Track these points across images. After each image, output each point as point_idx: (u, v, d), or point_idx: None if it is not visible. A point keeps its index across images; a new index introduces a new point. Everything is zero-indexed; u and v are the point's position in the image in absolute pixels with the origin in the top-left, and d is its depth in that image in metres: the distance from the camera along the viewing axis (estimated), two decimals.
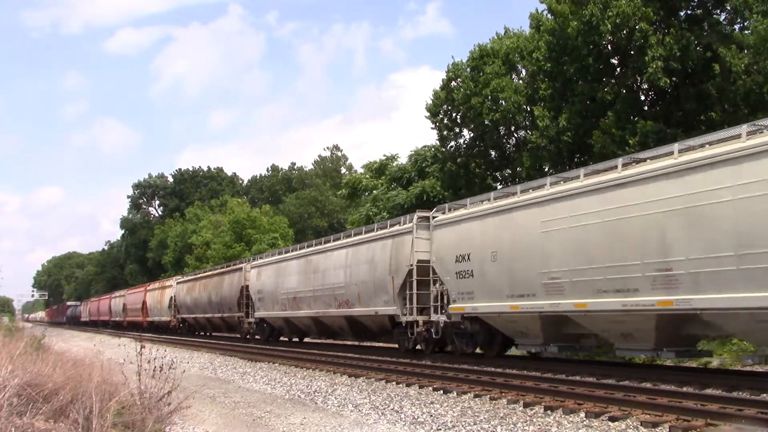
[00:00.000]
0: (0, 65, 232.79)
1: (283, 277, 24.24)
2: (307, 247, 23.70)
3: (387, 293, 17.65)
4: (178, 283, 38.30)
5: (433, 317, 16.30)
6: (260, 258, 28.54)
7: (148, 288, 44.53)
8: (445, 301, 15.89)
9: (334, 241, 21.63)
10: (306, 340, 26.79)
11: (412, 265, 16.69)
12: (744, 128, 9.83)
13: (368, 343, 22.12)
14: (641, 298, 10.74)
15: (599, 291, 11.50)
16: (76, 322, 71.68)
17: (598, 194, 11.71)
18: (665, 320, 10.74)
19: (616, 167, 11.66)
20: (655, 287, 10.54)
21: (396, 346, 18.58)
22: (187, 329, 36.78)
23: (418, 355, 17.07)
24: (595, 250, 11.60)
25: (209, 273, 33.66)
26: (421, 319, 16.79)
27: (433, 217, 16.61)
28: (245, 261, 30.18)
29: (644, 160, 11.41)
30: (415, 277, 16.62)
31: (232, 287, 28.93)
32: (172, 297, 38.38)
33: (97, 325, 59.50)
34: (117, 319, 51.92)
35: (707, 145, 10.28)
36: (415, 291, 16.68)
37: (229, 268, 31.01)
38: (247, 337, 28.18)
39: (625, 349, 12.12)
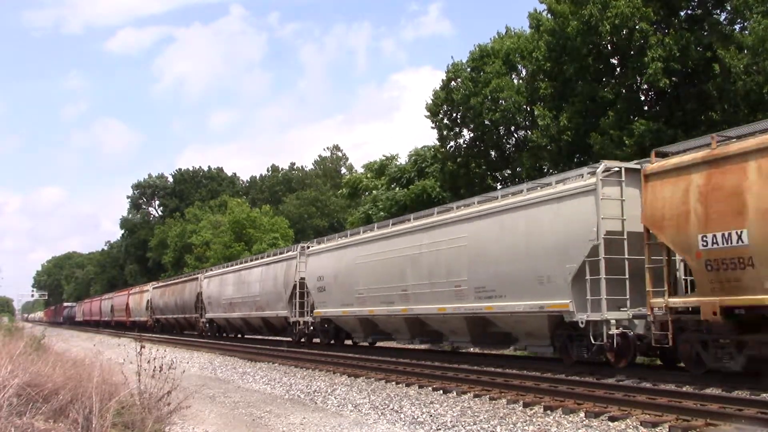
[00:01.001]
0: (1, 65, 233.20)
1: (224, 287, 30.66)
2: (241, 264, 30.35)
3: (283, 301, 24.23)
4: (153, 288, 43.60)
5: (307, 318, 22.82)
6: (211, 270, 34.66)
7: (130, 292, 50.22)
8: (312, 307, 22.44)
9: (253, 261, 28.93)
10: (245, 336, 32.15)
11: (296, 282, 23.16)
12: (448, 207, 17.17)
13: (274, 338, 28.03)
14: (395, 307, 17.67)
15: (381, 302, 18.26)
16: (72, 322, 76.27)
17: (379, 242, 18.93)
18: (410, 320, 17.58)
19: (409, 220, 18.27)
20: (400, 301, 17.48)
21: (290, 339, 24.44)
22: (160, 328, 42.31)
23: (306, 346, 23.15)
24: (378, 277, 18.48)
25: (175, 281, 39.90)
26: (302, 319, 23.15)
27: (308, 247, 23.29)
28: (200, 272, 35.88)
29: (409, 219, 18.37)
30: (298, 290, 23.09)
31: (191, 293, 35.04)
32: (148, 300, 43.74)
33: (89, 324, 64.66)
34: (106, 318, 57.56)
35: (435, 213, 17.04)
36: (297, 300, 23.18)
37: (189, 278, 37.13)
38: (202, 333, 34.04)
39: (397, 339, 19.48)
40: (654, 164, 11.05)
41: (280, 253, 25.90)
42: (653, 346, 11.37)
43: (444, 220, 16.06)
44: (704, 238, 9.95)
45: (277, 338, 26.92)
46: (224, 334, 32.98)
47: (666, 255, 10.87)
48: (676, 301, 10.63)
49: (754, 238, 9.32)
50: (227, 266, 32.35)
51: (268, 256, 27.56)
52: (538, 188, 13.67)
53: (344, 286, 20.13)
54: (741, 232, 9.47)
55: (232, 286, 29.65)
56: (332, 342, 22.16)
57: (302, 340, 23.73)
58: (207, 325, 33.25)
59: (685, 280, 11.83)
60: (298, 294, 23.00)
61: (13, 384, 6.68)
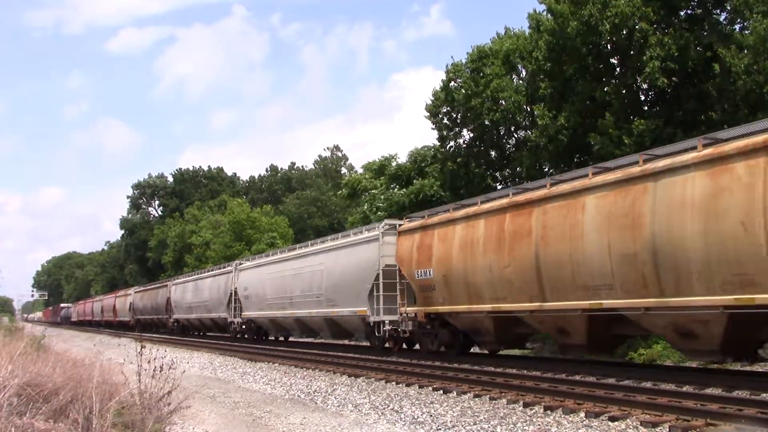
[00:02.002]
0: (2, 65, 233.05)
1: (186, 293, 37.31)
2: (198, 274, 37.20)
3: (223, 305, 31.25)
4: (135, 292, 50.31)
5: (239, 319, 29.26)
6: (178, 279, 41.45)
7: (117, 295, 57.12)
8: (241, 311, 29.21)
9: (206, 273, 35.12)
10: (201, 333, 38.67)
11: (232, 291, 29.88)
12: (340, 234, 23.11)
13: (218, 334, 35.16)
14: (287, 311, 24.32)
15: (279, 308, 25.01)
16: (68, 322, 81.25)
17: (278, 264, 25.88)
18: (297, 321, 24.13)
19: (295, 248, 26.12)
20: (290, 307, 24.04)
21: (229, 335, 31.07)
22: (141, 327, 46.62)
23: (239, 341, 29.20)
24: (278, 289, 25.21)
25: (151, 287, 46.97)
26: (236, 320, 29.64)
27: (240, 264, 30.11)
28: (170, 280, 42.60)
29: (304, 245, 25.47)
30: (233, 296, 29.73)
31: (162, 298, 41.46)
32: (131, 303, 49.92)
33: (83, 324, 70.96)
34: (97, 318, 63.64)
35: (309, 245, 24.22)
36: (233, 305, 29.88)
37: (161, 285, 43.87)
38: (172, 331, 40.11)
39: (293, 335, 27.21)
40: (403, 226, 18.04)
41: (224, 267, 32.83)
42: (405, 336, 18.09)
43: (312, 251, 23.40)
44: (418, 272, 16.67)
45: (221, 335, 34.49)
46: (189, 332, 39.46)
47: (405, 281, 17.54)
48: (409, 310, 17.43)
49: (434, 274, 16.04)
50: (189, 276, 39.29)
51: (211, 270, 35.35)
52: (364, 231, 20.30)
53: (259, 296, 27.02)
54: (430, 270, 16.14)
55: (191, 293, 36.37)
56: (255, 337, 29.29)
57: (237, 336, 30.44)
58: (175, 324, 39.93)
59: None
60: (233, 300, 29.83)
61: (13, 384, 6.68)
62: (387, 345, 19.01)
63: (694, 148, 10.23)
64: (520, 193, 13.86)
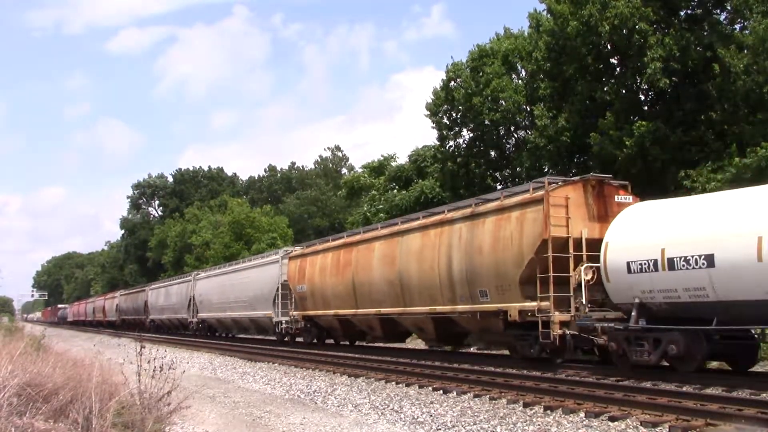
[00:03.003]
0: (3, 65, 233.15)
1: (159, 297, 43.18)
2: (168, 280, 43.80)
3: (185, 308, 36.25)
4: (120, 295, 55.82)
5: (196, 319, 34.99)
6: (154, 284, 47.14)
7: (106, 297, 63.51)
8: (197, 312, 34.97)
9: (174, 281, 41.16)
10: (171, 330, 42.82)
11: (191, 296, 35.47)
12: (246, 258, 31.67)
13: (182, 332, 39.17)
14: (227, 313, 30.11)
15: (222, 310, 30.69)
16: (64, 322, 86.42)
17: (219, 276, 31.87)
18: (234, 321, 29.92)
19: (231, 264, 33.58)
20: (228, 310, 29.76)
21: (189, 332, 36.90)
22: (125, 326, 51.29)
23: (205, 337, 34.12)
24: (220, 296, 30.92)
25: (133, 291, 52.85)
26: (194, 320, 35.35)
27: (198, 274, 35.79)
28: (147, 285, 49.03)
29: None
30: (192, 301, 35.00)
31: (141, 300, 47.05)
32: (117, 304, 55.20)
33: (77, 323, 76.55)
34: (90, 318, 69.05)
35: (242, 262, 31.44)
36: (192, 308, 35.29)
37: (140, 289, 49.80)
38: (149, 330, 43.93)
39: (233, 332, 32.92)
40: (291, 253, 24.17)
41: (186, 277, 38.70)
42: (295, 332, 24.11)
43: (242, 267, 29.68)
44: (297, 287, 22.65)
45: (184, 332, 38.73)
46: (162, 330, 44.42)
47: (292, 293, 23.23)
48: (294, 313, 23.23)
49: (306, 288, 22.10)
50: (162, 283, 45.16)
51: (176, 278, 42.13)
52: (272, 255, 26.77)
53: (210, 301, 32.85)
54: (304, 285, 22.14)
55: (162, 297, 42.30)
56: (208, 333, 34.83)
57: (196, 333, 35.59)
58: (151, 323, 45.13)
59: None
60: (192, 304, 35.40)
61: (13, 384, 6.68)
62: (286, 339, 25.07)
63: (470, 206, 15.30)
64: (351, 235, 20.96)
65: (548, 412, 9.19)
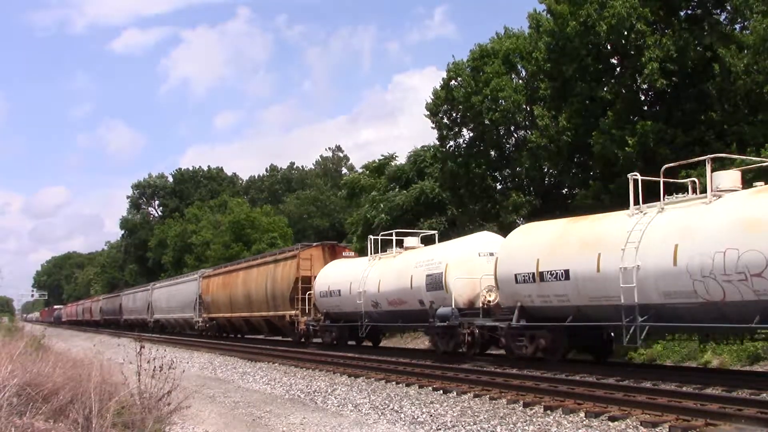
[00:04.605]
0: (6, 66, 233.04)
1: (129, 302, 51.46)
2: (134, 290, 52.80)
3: (191, 308, 37.38)
4: (102, 299, 66.39)
5: (152, 320, 44.10)
6: (127, 291, 55.54)
7: (93, 300, 74.11)
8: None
9: (138, 289, 51.15)
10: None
11: (150, 302, 44.70)
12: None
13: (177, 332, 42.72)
14: (168, 315, 41.63)
15: (165, 313, 42.25)
16: (59, 322, 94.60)
17: (165, 287, 42.92)
18: (174, 321, 41.33)
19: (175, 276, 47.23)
20: (167, 313, 41.74)
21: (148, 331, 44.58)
22: (108, 325, 58.89)
23: (200, 337, 35.41)
24: (165, 303, 42.04)
25: (111, 296, 62.04)
26: (151, 321, 44.68)
27: (155, 285, 44.88)
28: (121, 291, 57.49)
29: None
30: (197, 300, 36.12)
31: (117, 303, 55.89)
32: (100, 307, 64.30)
33: (71, 323, 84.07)
34: (80, 318, 78.06)
35: (184, 276, 43.41)
36: (150, 311, 44.60)
37: (116, 295, 58.68)
38: (123, 327, 51.48)
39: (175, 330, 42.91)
40: (205, 274, 35.26)
41: (144, 287, 48.41)
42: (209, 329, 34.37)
43: (182, 280, 39.43)
44: (206, 298, 33.86)
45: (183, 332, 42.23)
46: (132, 328, 50.25)
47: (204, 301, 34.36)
48: (204, 315, 34.13)
49: (212, 298, 33.38)
50: (132, 289, 54.40)
51: (175, 278, 46.29)
52: (195, 274, 36.84)
53: (160, 305, 42.47)
54: (210, 296, 33.27)
55: (131, 302, 51.03)
56: (161, 330, 43.43)
57: (153, 330, 43.38)
58: (124, 322, 52.76)
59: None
60: (151, 309, 44.50)
61: (13, 384, 6.68)
62: (203, 334, 34.03)
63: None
64: (232, 266, 32.35)
65: (548, 412, 9.19)
